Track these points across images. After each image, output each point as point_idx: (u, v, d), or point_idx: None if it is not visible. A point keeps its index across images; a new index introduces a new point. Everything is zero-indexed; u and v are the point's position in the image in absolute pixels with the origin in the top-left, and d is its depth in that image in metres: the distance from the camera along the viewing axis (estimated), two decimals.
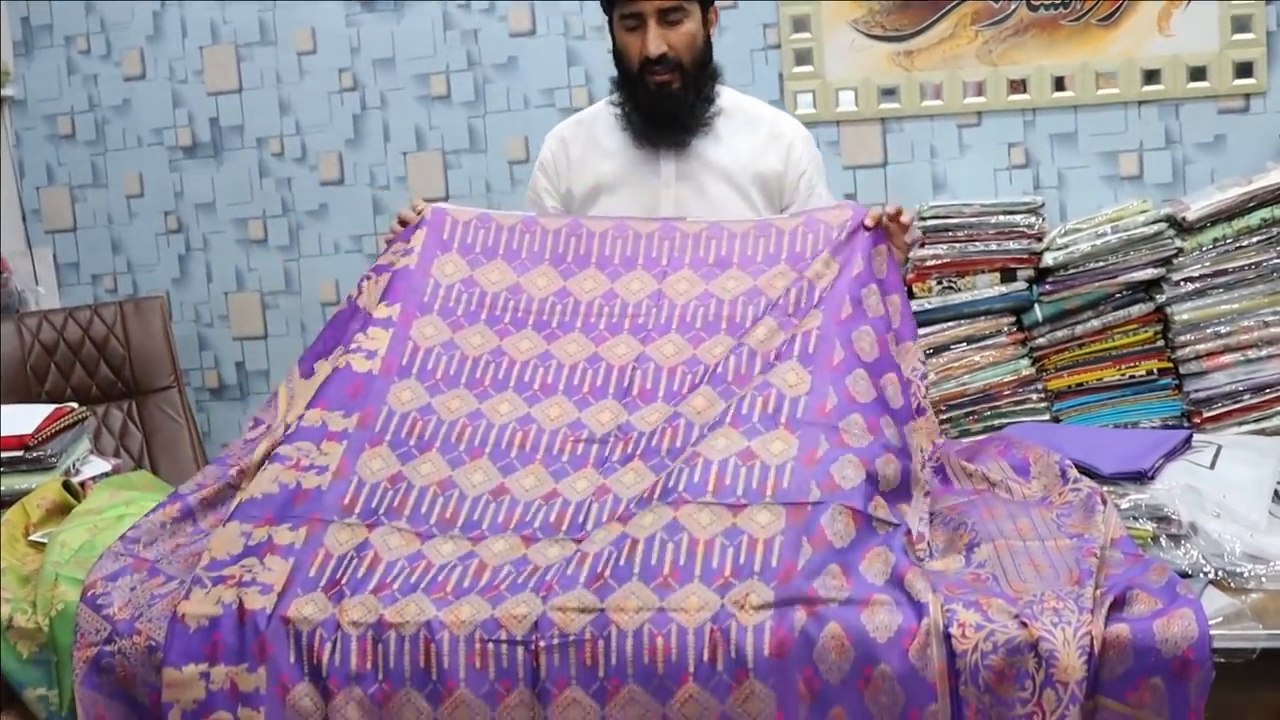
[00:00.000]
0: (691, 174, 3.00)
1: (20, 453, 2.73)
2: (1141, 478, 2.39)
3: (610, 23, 2.98)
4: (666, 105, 2.94)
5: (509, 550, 2.27)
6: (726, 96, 3.07)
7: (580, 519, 2.30)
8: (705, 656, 2.05)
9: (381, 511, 2.34)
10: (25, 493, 2.64)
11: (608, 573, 2.14)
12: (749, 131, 3.03)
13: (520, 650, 2.10)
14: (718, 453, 2.27)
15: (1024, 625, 1.97)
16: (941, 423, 4.02)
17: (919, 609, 2.02)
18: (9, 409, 3.12)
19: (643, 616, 2.08)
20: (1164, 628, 1.96)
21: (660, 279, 2.62)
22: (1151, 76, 4.19)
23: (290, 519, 2.33)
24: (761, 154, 3.02)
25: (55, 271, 4.98)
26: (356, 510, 2.34)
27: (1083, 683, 1.93)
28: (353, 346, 2.58)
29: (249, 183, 4.82)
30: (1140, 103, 4.23)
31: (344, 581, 2.23)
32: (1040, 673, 1.95)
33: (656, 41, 2.88)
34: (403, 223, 2.79)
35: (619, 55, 2.98)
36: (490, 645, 2.11)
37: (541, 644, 2.09)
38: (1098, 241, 3.90)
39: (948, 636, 1.99)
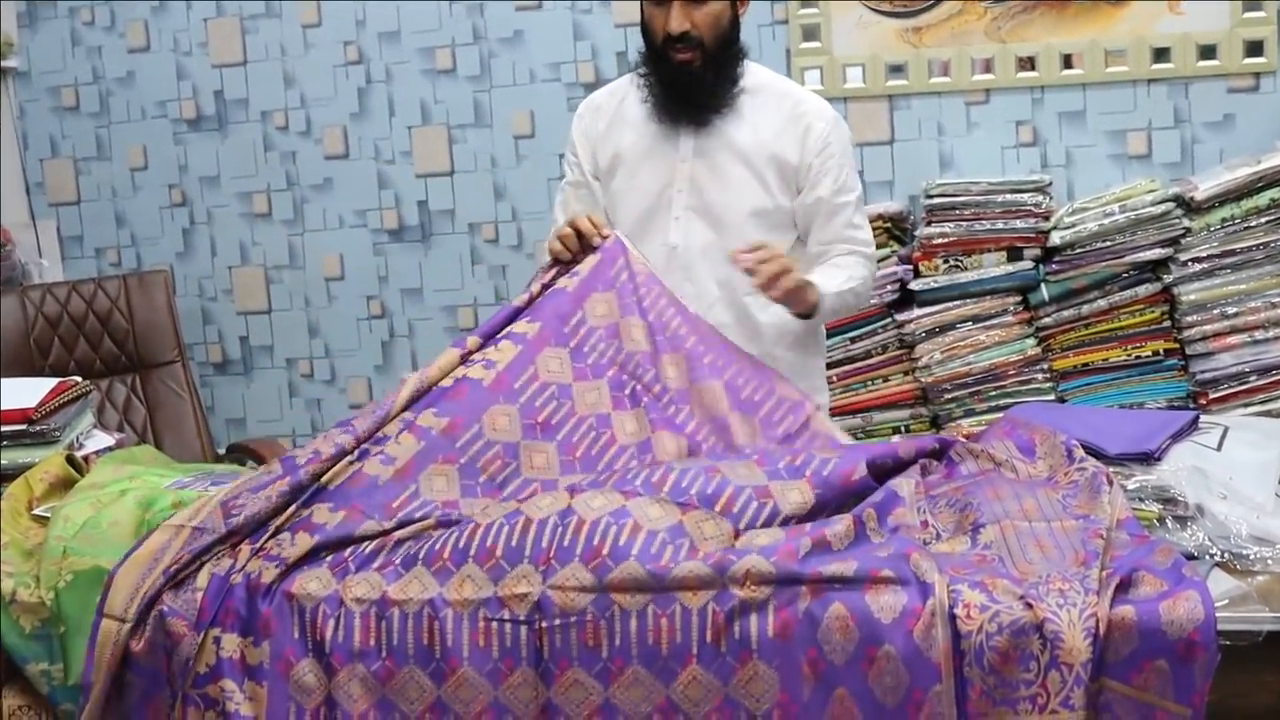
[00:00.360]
0: (709, 151, 2.99)
1: (23, 426, 2.72)
2: (1148, 459, 2.37)
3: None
4: (686, 82, 2.92)
5: (502, 509, 2.27)
6: (756, 74, 3.05)
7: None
8: (709, 638, 2.04)
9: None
10: (28, 467, 2.63)
11: (605, 549, 2.13)
12: (773, 111, 3.01)
13: (524, 629, 2.10)
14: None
15: (1029, 606, 1.97)
16: (946, 402, 4.03)
17: (924, 589, 2.01)
18: (12, 382, 3.11)
19: (645, 598, 2.08)
20: (1170, 610, 1.95)
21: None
22: (1161, 55, 4.17)
23: (335, 499, 2.32)
24: (779, 136, 2.99)
25: (59, 244, 4.97)
26: (398, 517, 2.31)
27: (1088, 664, 1.93)
28: (475, 357, 2.52)
29: (253, 156, 4.81)
30: (1149, 81, 4.20)
31: (349, 557, 2.23)
32: (1045, 654, 1.94)
33: (679, 19, 2.86)
34: (577, 231, 2.69)
35: (644, 29, 2.96)
36: (494, 624, 2.11)
37: (544, 624, 2.09)
38: (1105, 221, 3.90)
39: (953, 617, 1.98)
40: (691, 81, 2.92)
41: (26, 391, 2.81)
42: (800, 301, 2.79)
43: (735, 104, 2.99)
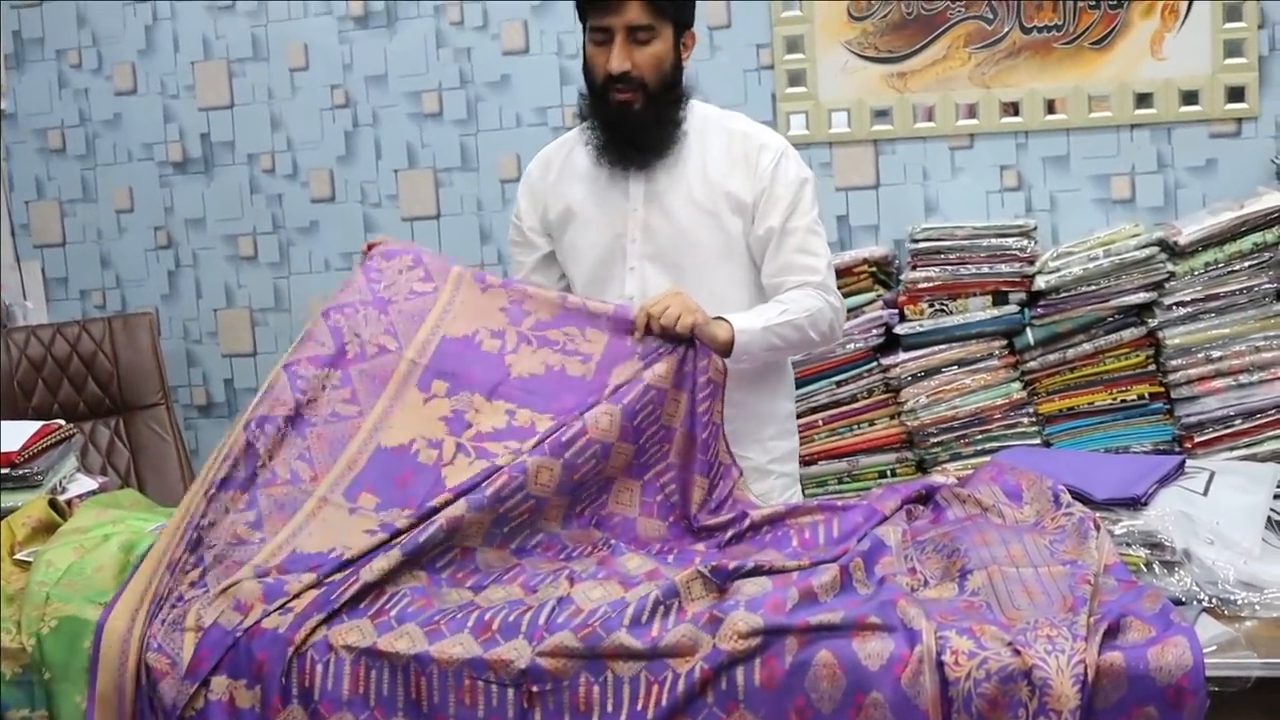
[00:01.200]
0: (659, 195, 2.92)
1: (6, 470, 2.70)
2: (1135, 503, 2.37)
3: (584, 37, 2.92)
4: (626, 124, 2.86)
5: (506, 595, 2.28)
6: (701, 113, 2.97)
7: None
8: (697, 690, 2.03)
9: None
10: (11, 510, 2.62)
11: (596, 619, 2.13)
12: (721, 148, 2.94)
13: (510, 691, 2.09)
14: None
15: (1017, 653, 1.96)
16: (932, 446, 4.03)
17: (912, 636, 2.01)
18: None
19: (638, 665, 2.07)
20: (1158, 655, 1.95)
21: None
22: (1144, 100, 4.19)
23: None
24: (729, 172, 2.91)
25: (44, 286, 4.96)
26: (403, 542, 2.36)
27: (1076, 711, 1.92)
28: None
29: (239, 199, 4.81)
30: (1132, 126, 4.23)
31: (339, 603, 2.22)
32: (1034, 701, 1.94)
33: (620, 59, 2.79)
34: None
35: (586, 71, 2.91)
36: (479, 683, 2.10)
37: (534, 689, 2.08)
38: (1090, 265, 3.91)
39: (940, 664, 1.98)
40: (633, 122, 2.85)
41: (10, 435, 2.80)
42: (710, 339, 2.67)
43: (682, 145, 2.92)
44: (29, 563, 2.41)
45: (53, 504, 2.67)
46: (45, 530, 2.57)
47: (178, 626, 2.23)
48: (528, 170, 3.14)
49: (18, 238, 4.96)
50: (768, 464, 2.99)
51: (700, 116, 2.98)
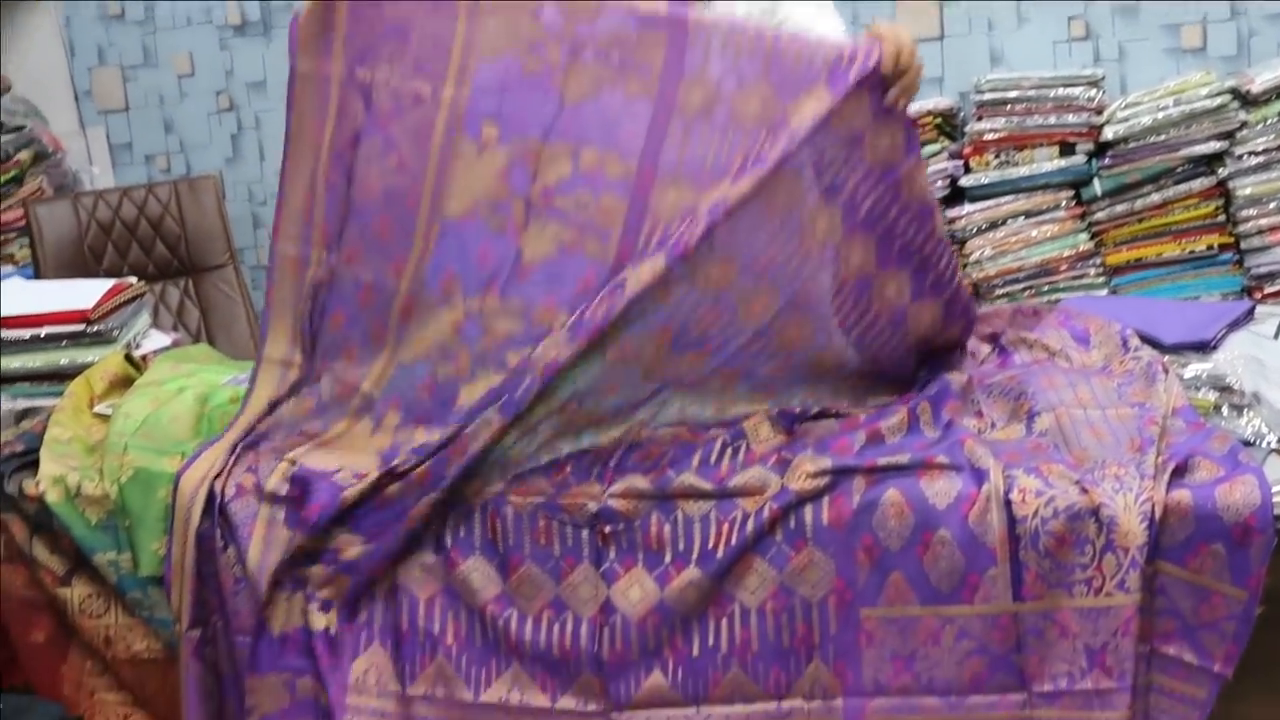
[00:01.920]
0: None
1: (81, 327, 2.74)
2: (1204, 347, 2.37)
3: None
4: None
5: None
6: None
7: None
8: (766, 528, 2.06)
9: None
10: (88, 366, 2.66)
11: (666, 464, 2.15)
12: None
13: (584, 532, 2.12)
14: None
15: (1085, 491, 1.97)
16: (996, 298, 4.01)
17: (979, 475, 2.02)
18: (69, 284, 3.15)
19: (708, 505, 2.10)
20: (1226, 494, 1.95)
21: None
22: None
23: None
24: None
25: (109, 152, 4.99)
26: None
27: (1143, 548, 1.93)
28: None
29: None
30: None
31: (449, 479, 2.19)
32: (1101, 538, 1.95)
33: None
34: None
35: None
36: (554, 524, 2.13)
37: (607, 529, 2.11)
38: (1159, 115, 3.85)
39: (1008, 502, 1.99)
40: None
41: (83, 293, 2.83)
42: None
43: None
44: (108, 415, 2.46)
45: (128, 359, 2.72)
46: (122, 384, 2.62)
47: (276, 456, 2.26)
48: None
49: (81, 104, 4.98)
50: None
51: None
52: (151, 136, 4.96)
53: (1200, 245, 3.90)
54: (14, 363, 2.73)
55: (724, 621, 2.07)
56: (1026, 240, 3.99)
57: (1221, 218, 3.90)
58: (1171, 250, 3.92)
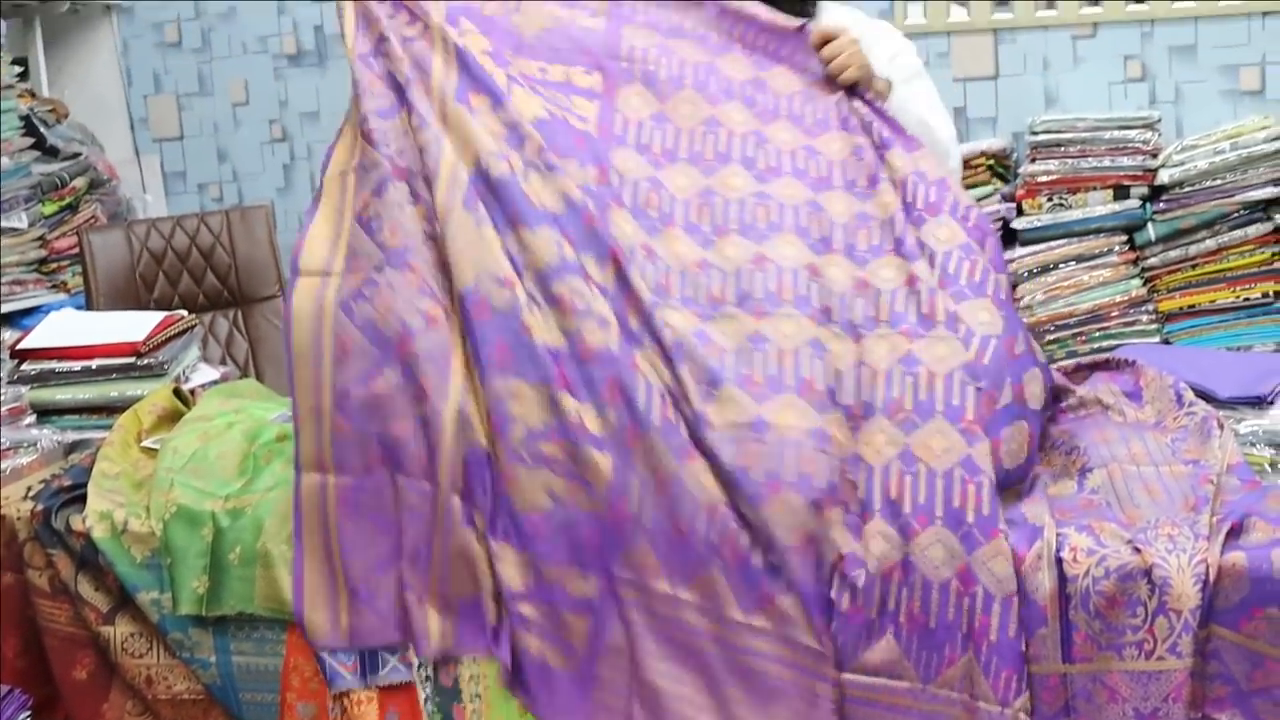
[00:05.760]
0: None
1: (132, 360, 2.76)
2: (1260, 402, 2.33)
3: None
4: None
5: (799, 331, 2.19)
6: (829, 12, 2.94)
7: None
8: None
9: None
10: (137, 399, 2.67)
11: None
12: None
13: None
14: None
15: (1137, 551, 1.94)
16: (1047, 344, 3.97)
17: (1032, 532, 1.99)
18: (120, 315, 3.17)
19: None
20: None
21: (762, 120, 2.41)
22: None
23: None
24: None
25: (163, 180, 5.03)
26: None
27: (1196, 611, 1.91)
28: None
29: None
30: (1264, 14, 4.08)
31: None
32: (1153, 600, 1.92)
33: None
34: None
35: None
36: None
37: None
38: (1215, 159, 3.82)
39: (1059, 560, 1.96)
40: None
41: (134, 325, 2.85)
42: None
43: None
44: (156, 450, 2.47)
45: (177, 393, 2.72)
46: (170, 418, 2.63)
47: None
48: None
49: (136, 132, 5.03)
50: None
51: (829, 10, 2.89)
52: (205, 165, 5.00)
53: (1255, 292, 3.86)
54: (64, 394, 2.75)
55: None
56: (1079, 285, 3.95)
57: (1277, 265, 3.85)
58: (1226, 297, 3.87)
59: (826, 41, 2.45)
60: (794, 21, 2.47)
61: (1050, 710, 1.97)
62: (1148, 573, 1.93)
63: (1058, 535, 1.98)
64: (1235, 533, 1.97)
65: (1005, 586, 1.97)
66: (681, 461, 2.06)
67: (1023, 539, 1.99)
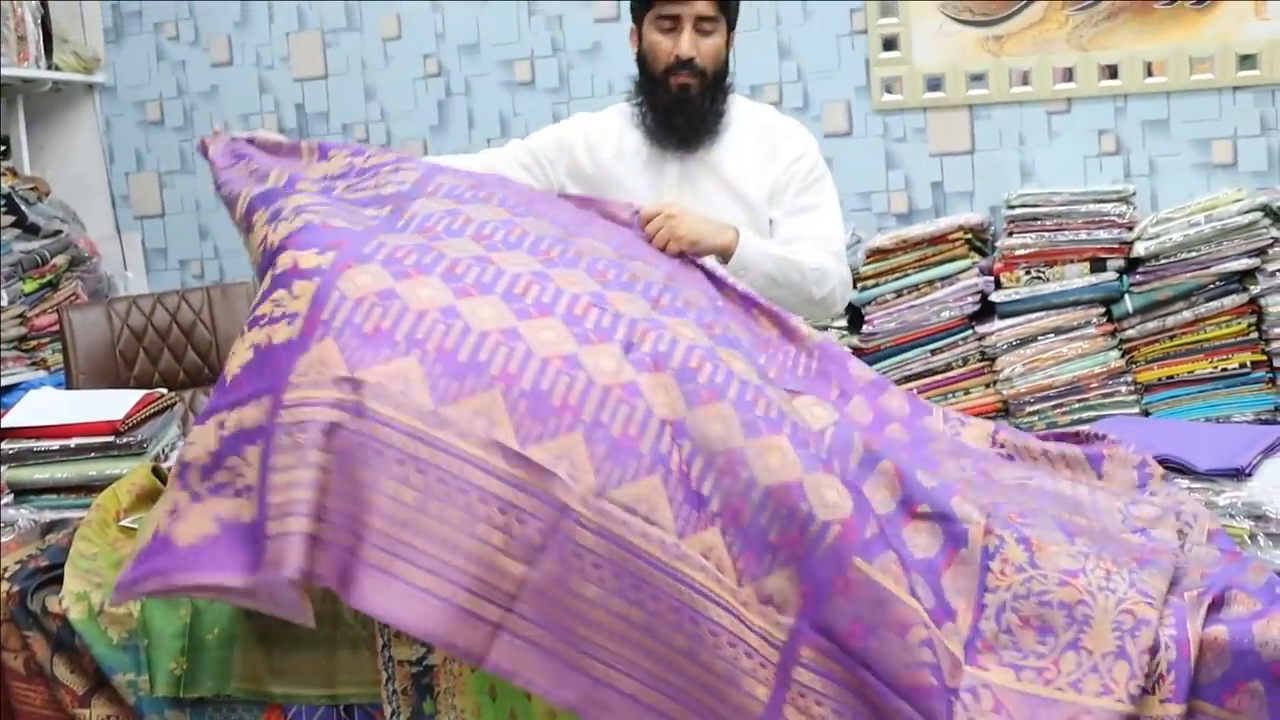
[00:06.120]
0: (693, 177, 3.00)
1: (111, 438, 2.75)
2: (1239, 474, 2.33)
3: (640, 24, 3.01)
4: (683, 108, 2.96)
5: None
6: (738, 106, 3.06)
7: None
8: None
9: None
10: (116, 478, 2.66)
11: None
12: (755, 140, 3.02)
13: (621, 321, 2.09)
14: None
15: (1065, 584, 1.94)
16: (1027, 415, 3.98)
17: (961, 534, 1.98)
18: (99, 394, 3.16)
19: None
20: (1264, 630, 1.90)
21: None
22: (1247, 61, 4.11)
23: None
24: (754, 162, 3.00)
25: (144, 257, 5.04)
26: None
27: (1108, 656, 1.88)
28: None
29: None
30: (1235, 88, 4.14)
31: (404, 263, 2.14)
32: (1068, 633, 1.92)
33: (689, 45, 2.91)
34: None
35: (644, 55, 3.01)
36: (590, 306, 2.10)
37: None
38: (1190, 231, 3.85)
39: (986, 569, 1.96)
40: (689, 107, 2.95)
41: (113, 403, 2.84)
42: (711, 240, 2.67)
43: (719, 134, 3.00)
44: (134, 529, 2.45)
45: (156, 471, 2.71)
46: (149, 497, 2.61)
47: None
48: (567, 126, 3.15)
49: (118, 209, 5.04)
50: None
51: (739, 105, 3.04)
52: (186, 242, 5.01)
53: (1232, 363, 3.88)
54: (42, 474, 2.73)
55: None
56: (1057, 357, 3.97)
57: (1254, 335, 3.87)
58: (1203, 368, 3.89)
59: (648, 221, 2.62)
60: (627, 210, 2.63)
61: None
62: (1071, 607, 1.92)
63: (996, 537, 1.98)
64: (1216, 606, 1.96)
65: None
66: None
67: (953, 538, 1.98)
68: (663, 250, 2.57)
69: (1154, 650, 1.89)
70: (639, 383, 2.00)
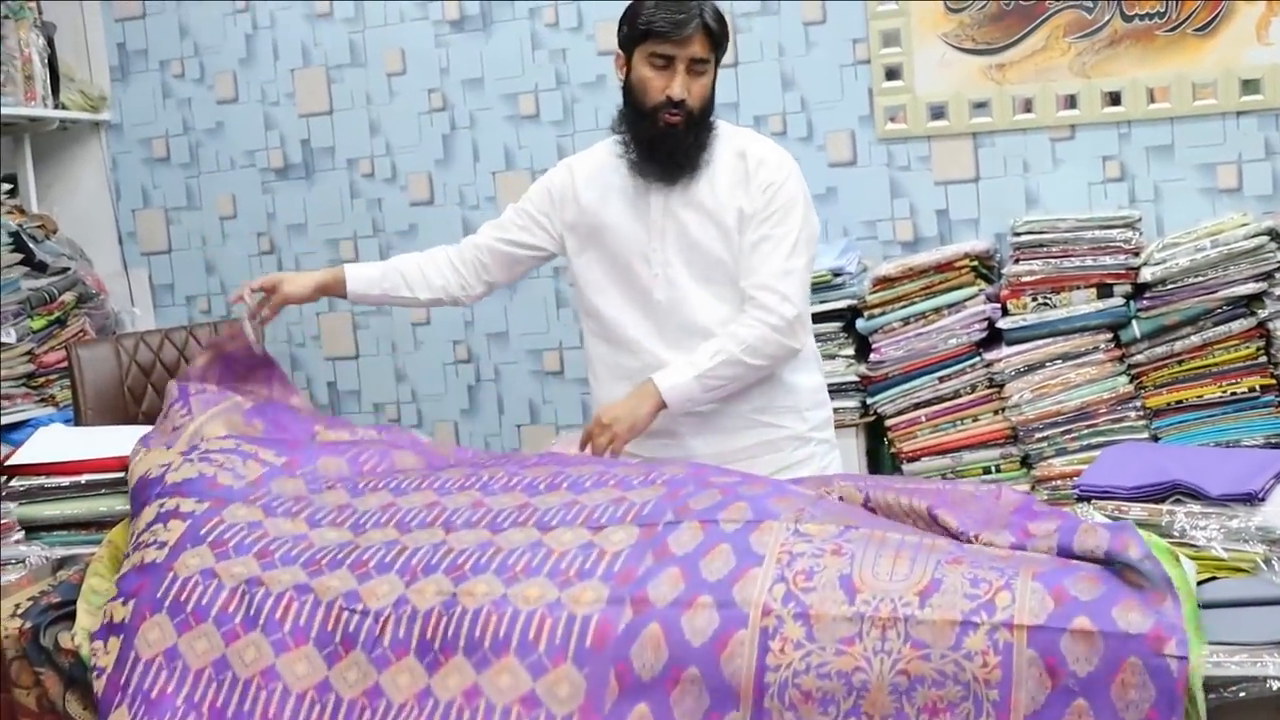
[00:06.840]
0: (674, 210, 3.04)
1: (121, 474, 2.75)
2: (1251, 499, 2.33)
3: (629, 54, 3.03)
4: (668, 143, 3.00)
5: (383, 536, 2.35)
6: (719, 131, 3.09)
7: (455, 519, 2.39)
8: (530, 635, 2.11)
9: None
10: (126, 514, 2.66)
11: (468, 566, 2.23)
12: (732, 166, 3.04)
13: (369, 619, 2.20)
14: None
15: (842, 652, 1.97)
16: (1036, 442, 3.98)
17: (741, 617, 2.03)
18: (108, 430, 3.17)
19: (488, 599, 2.16)
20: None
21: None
22: (1250, 86, 4.12)
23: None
24: (733, 188, 3.02)
25: (151, 293, 5.05)
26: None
27: (889, 718, 1.93)
28: None
29: (340, 203, 4.87)
30: (1239, 113, 4.15)
31: (230, 544, 2.35)
32: (848, 701, 1.96)
33: (681, 87, 2.95)
34: None
35: (633, 87, 3.03)
36: (345, 614, 2.22)
37: (391, 616, 2.19)
38: (1197, 256, 3.85)
39: (766, 649, 2.00)
40: (675, 143, 2.99)
41: (123, 439, 2.84)
42: (642, 412, 2.91)
43: (700, 165, 3.04)
44: None
45: None
46: None
47: None
48: (553, 175, 3.19)
49: (125, 246, 5.06)
50: (807, 432, 3.10)
51: (717, 134, 3.07)
52: (193, 278, 5.03)
53: (1241, 387, 3.87)
54: (53, 510, 2.75)
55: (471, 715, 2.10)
56: (1066, 383, 3.97)
57: (1263, 359, 3.87)
58: (1212, 392, 3.89)
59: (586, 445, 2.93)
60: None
61: None
62: (849, 676, 1.96)
63: (775, 619, 2.02)
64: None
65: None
66: None
67: (731, 621, 2.04)
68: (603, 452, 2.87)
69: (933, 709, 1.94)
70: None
